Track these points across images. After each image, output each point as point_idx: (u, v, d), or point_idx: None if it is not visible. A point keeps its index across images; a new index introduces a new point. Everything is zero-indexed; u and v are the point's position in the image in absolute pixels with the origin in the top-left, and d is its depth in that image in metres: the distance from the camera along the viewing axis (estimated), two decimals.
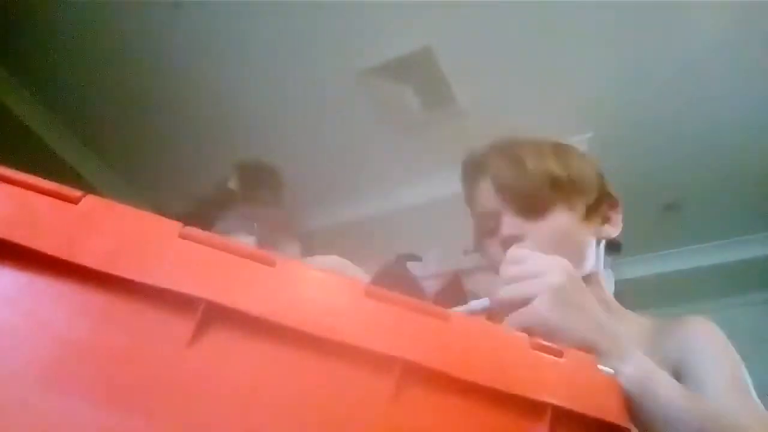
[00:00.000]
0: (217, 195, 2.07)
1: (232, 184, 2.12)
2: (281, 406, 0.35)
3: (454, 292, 2.20)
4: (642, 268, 3.00)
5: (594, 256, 0.97)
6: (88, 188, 0.41)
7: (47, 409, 0.34)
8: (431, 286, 2.26)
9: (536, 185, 0.93)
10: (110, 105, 2.65)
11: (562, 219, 0.93)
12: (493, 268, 0.96)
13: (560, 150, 1.01)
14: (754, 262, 2.83)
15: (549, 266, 0.65)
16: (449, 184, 2.72)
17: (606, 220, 1.00)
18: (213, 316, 0.37)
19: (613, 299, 1.01)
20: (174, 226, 0.41)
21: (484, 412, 0.35)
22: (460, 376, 0.36)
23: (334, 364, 0.36)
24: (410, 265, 2.44)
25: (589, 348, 0.53)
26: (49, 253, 0.38)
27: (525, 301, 0.59)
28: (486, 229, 0.99)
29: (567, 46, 2.23)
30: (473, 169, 1.04)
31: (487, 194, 0.99)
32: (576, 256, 0.92)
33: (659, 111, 2.40)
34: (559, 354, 0.37)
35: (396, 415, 0.35)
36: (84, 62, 2.49)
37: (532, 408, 0.36)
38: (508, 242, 0.91)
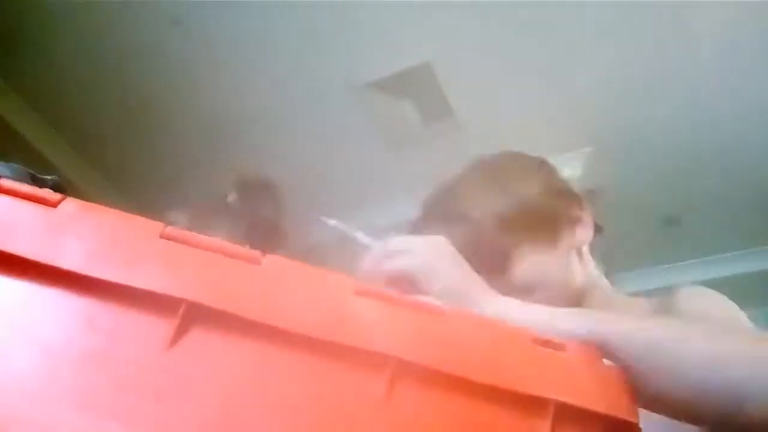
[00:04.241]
0: (216, 209, 2.07)
1: (231, 198, 2.12)
2: (266, 409, 0.33)
3: None
4: (642, 282, 2.97)
5: (579, 270, 0.88)
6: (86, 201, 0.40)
7: (24, 416, 0.33)
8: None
9: (488, 240, 0.82)
10: (107, 117, 2.66)
11: (528, 261, 0.83)
12: None
13: (497, 179, 0.90)
14: (755, 276, 2.81)
15: (412, 247, 0.67)
16: None
17: (575, 223, 0.89)
18: (194, 316, 0.35)
19: (612, 297, 0.91)
20: (155, 226, 0.39)
21: (483, 410, 0.34)
22: (455, 373, 0.34)
23: (322, 364, 0.35)
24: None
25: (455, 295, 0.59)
26: (28, 257, 0.37)
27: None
28: None
29: (566, 61, 2.23)
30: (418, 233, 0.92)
31: None
32: (560, 287, 0.85)
33: (659, 125, 2.40)
34: (560, 348, 0.36)
35: (389, 415, 0.33)
36: (82, 75, 2.50)
37: (533, 404, 0.34)
38: None
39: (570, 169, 2.50)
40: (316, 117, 2.53)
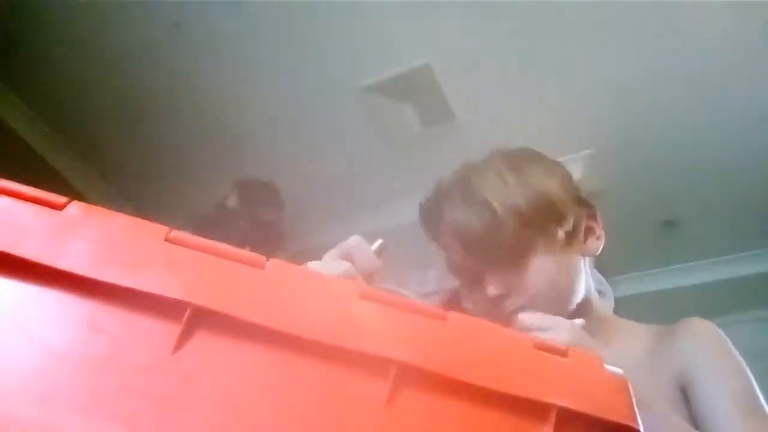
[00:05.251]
0: (216, 212, 2.07)
1: (232, 201, 2.11)
2: (271, 413, 0.34)
3: (452, 310, 2.18)
4: (640, 285, 2.96)
5: (584, 281, 0.90)
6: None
7: (28, 419, 0.33)
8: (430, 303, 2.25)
9: (508, 231, 0.83)
10: (108, 119, 2.65)
11: (545, 260, 0.85)
12: (471, 308, 0.92)
13: (520, 171, 0.90)
14: (753, 279, 2.80)
15: (558, 324, 0.69)
16: None
17: (588, 233, 0.91)
18: (199, 320, 0.35)
19: (609, 315, 0.96)
20: (160, 230, 0.39)
21: (485, 414, 0.34)
22: (458, 377, 0.34)
23: (326, 367, 0.35)
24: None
25: None
26: (33, 259, 0.37)
27: None
28: (465, 281, 0.92)
29: (566, 63, 2.23)
30: (432, 215, 0.95)
31: (452, 248, 0.91)
32: (568, 291, 0.87)
33: (658, 128, 2.39)
34: (563, 353, 0.36)
35: (392, 419, 0.33)
36: (83, 77, 2.49)
37: (535, 410, 0.34)
38: (497, 301, 0.85)
39: (570, 171, 2.50)
40: (316, 119, 2.53)
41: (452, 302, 2.31)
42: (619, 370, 0.35)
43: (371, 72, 2.34)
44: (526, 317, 0.72)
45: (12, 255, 0.36)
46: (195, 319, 0.36)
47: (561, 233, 0.86)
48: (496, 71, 2.28)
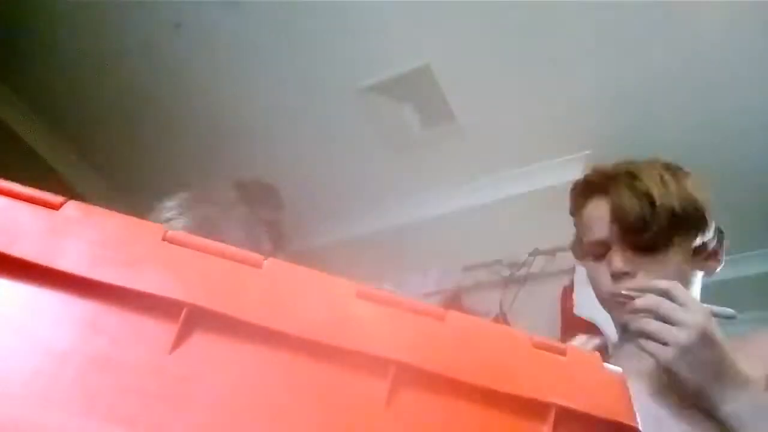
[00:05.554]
0: (213, 200, 2.06)
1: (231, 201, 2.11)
2: (268, 413, 0.33)
3: (454, 309, 2.18)
4: None
5: (698, 290, 0.99)
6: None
7: (26, 420, 0.33)
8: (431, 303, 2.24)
9: (659, 224, 0.94)
10: (108, 120, 2.65)
11: (676, 258, 0.94)
12: (594, 287, 1.02)
13: (678, 178, 1.01)
14: (753, 279, 2.80)
15: (695, 304, 0.79)
16: (449, 202, 2.71)
17: (712, 255, 1.01)
18: (196, 320, 0.35)
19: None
20: (158, 229, 0.39)
21: (484, 414, 0.34)
22: (457, 377, 0.34)
23: (324, 368, 0.35)
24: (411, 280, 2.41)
25: (706, 397, 0.75)
26: (30, 259, 0.36)
27: (660, 341, 0.77)
28: (592, 253, 1.01)
29: (566, 64, 2.22)
30: (591, 188, 1.05)
31: (599, 220, 1.00)
32: None
33: (658, 128, 2.39)
34: (562, 352, 0.36)
35: (391, 419, 0.33)
36: (83, 78, 2.50)
37: (534, 409, 0.34)
38: (619, 276, 0.94)
39: (569, 172, 2.50)
40: (316, 120, 2.53)
41: (453, 302, 2.30)
42: (618, 369, 0.35)
43: (371, 72, 2.34)
44: (670, 283, 0.81)
45: (9, 255, 0.36)
46: (192, 319, 0.35)
47: (697, 242, 0.97)
48: (496, 71, 2.28)
